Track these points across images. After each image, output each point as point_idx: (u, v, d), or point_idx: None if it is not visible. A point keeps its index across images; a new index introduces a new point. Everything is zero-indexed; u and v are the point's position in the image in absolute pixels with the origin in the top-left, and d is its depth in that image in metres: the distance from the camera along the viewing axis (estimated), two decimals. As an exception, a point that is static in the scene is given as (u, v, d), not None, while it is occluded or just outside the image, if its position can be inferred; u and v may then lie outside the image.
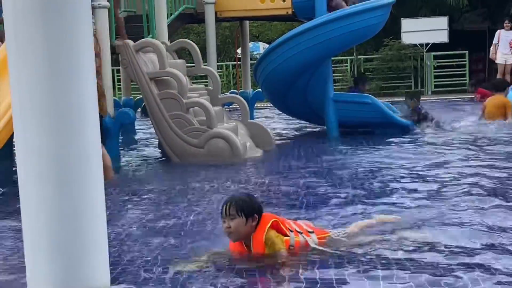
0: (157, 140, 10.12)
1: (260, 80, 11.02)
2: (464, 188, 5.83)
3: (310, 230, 4.26)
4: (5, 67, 7.48)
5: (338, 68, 20.93)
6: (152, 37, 9.51)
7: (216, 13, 11.38)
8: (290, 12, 11.27)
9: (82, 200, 3.28)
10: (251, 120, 9.90)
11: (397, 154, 8.24)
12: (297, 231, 4.17)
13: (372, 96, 10.84)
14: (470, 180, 6.21)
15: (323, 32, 9.84)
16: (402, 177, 6.67)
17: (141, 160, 9.21)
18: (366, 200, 5.67)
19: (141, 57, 8.80)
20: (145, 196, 6.37)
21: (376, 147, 8.99)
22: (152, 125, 9.10)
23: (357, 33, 10.07)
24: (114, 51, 8.87)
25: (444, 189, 5.96)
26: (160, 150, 9.57)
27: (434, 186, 6.10)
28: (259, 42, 27.80)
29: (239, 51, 28.93)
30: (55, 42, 3.15)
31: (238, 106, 9.87)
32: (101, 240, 3.34)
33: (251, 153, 8.75)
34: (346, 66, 21.50)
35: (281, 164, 8.06)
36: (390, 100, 13.82)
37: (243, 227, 3.98)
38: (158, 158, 9.26)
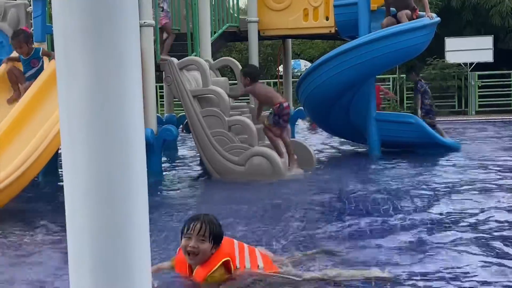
0: (199, 156, 10.19)
1: (302, 98, 11.00)
2: None
3: (260, 265, 3.98)
4: (53, 81, 7.67)
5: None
6: (195, 55, 9.59)
7: (259, 31, 11.42)
8: (333, 30, 11.25)
9: (126, 217, 3.29)
10: (293, 138, 9.87)
11: (447, 175, 8.10)
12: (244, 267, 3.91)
13: (416, 116, 10.73)
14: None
15: (366, 51, 9.79)
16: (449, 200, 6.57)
17: (182, 177, 9.25)
18: (406, 229, 5.39)
19: (185, 74, 8.89)
20: (186, 212, 6.39)
21: (422, 167, 8.87)
22: (194, 142, 9.15)
23: (401, 52, 9.99)
24: (158, 68, 8.98)
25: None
26: (201, 167, 9.61)
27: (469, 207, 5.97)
28: (301, 60, 27.86)
29: (280, 68, 29.09)
30: (104, 61, 3.19)
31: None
32: (144, 257, 3.35)
33: (292, 171, 8.71)
34: (389, 84, 21.34)
35: (323, 183, 8.01)
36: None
37: (207, 253, 3.72)
38: (199, 175, 9.30)
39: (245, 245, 4.10)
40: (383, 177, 8.32)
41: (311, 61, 27.41)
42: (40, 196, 7.61)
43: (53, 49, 9.34)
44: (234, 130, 8.72)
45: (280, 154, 8.60)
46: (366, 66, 9.88)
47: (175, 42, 10.43)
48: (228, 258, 3.82)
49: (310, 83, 10.45)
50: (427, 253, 4.53)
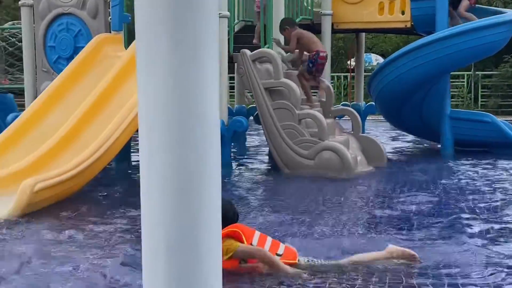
0: (267, 148, 10.21)
1: (374, 93, 10.85)
2: None
3: (279, 253, 4.17)
4: (129, 69, 7.82)
5: (454, 83, 20.30)
6: (268, 47, 9.58)
7: (332, 24, 11.31)
8: (409, 25, 11.02)
9: (200, 209, 3.33)
10: (363, 134, 9.75)
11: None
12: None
13: (492, 115, 10.43)
14: None
15: (443, 47, 9.56)
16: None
17: (251, 168, 9.28)
18: (473, 226, 5.34)
19: (257, 66, 8.90)
20: (254, 204, 6.41)
21: (497, 167, 8.62)
22: (263, 134, 9.17)
23: (478, 49, 9.71)
24: (230, 60, 9.02)
25: None
26: (269, 159, 9.62)
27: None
28: (372, 54, 27.48)
29: (352, 62, 28.78)
30: (182, 52, 3.22)
31: (349, 118, 9.75)
32: (216, 250, 3.39)
33: (362, 167, 8.62)
34: (463, 81, 20.82)
35: (393, 180, 7.87)
36: (509, 119, 13.21)
37: None
38: (267, 167, 9.31)
39: (269, 237, 4.31)
40: (456, 176, 8.11)
41: (382, 55, 27.00)
42: (114, 181, 7.82)
43: (129, 38, 9.53)
44: (304, 123, 8.68)
45: (309, 99, 9.06)
46: (442, 62, 9.65)
47: (248, 34, 10.46)
48: (237, 230, 4.08)
49: (382, 78, 10.29)
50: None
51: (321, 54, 9.06)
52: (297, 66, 9.44)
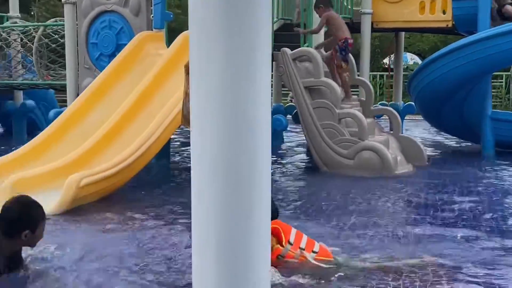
0: (305, 147, 10.21)
1: (413, 93, 10.76)
2: None
3: (315, 250, 4.27)
4: (170, 67, 7.88)
5: (492, 83, 19.97)
6: (308, 46, 9.57)
7: (372, 23, 11.24)
8: (450, 25, 10.89)
9: (250, 204, 3.35)
10: (403, 134, 9.67)
11: None
12: (299, 247, 4.19)
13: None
14: None
15: (484, 47, 9.42)
16: None
17: (289, 167, 9.28)
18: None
19: (297, 65, 8.90)
20: (292, 202, 6.42)
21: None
22: (302, 133, 9.17)
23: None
24: (271, 58, 9.03)
25: None
26: (308, 158, 9.61)
27: None
28: (407, 53, 27.24)
29: (385, 61, 28.53)
30: (235, 52, 3.24)
31: (387, 117, 9.68)
32: (265, 244, 3.41)
33: (402, 168, 8.55)
34: (501, 82, 20.52)
35: (434, 181, 7.80)
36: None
37: None
38: (306, 165, 9.30)
39: (304, 235, 4.38)
40: (498, 177, 8.01)
41: (419, 54, 26.75)
42: (155, 179, 7.90)
43: (170, 37, 9.60)
44: (344, 122, 8.65)
45: (347, 93, 9.20)
46: (484, 63, 9.51)
47: (287, 33, 10.45)
48: (276, 226, 4.13)
49: (423, 78, 10.20)
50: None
51: (350, 41, 9.12)
52: (330, 49, 9.43)
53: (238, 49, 3.42)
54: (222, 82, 3.39)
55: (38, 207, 3.76)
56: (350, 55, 9.55)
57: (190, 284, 3.46)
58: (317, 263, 4.16)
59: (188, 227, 5.14)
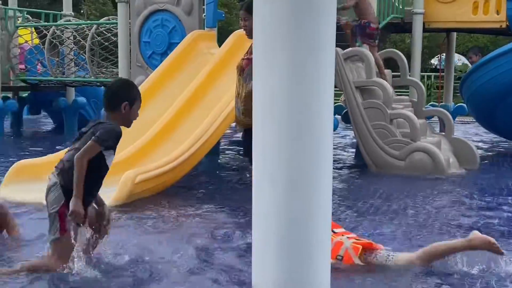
0: (354, 148, 10.15)
1: (466, 94, 10.59)
2: None
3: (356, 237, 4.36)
4: (223, 66, 7.92)
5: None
6: (359, 46, 9.51)
7: (424, 23, 11.12)
8: (504, 25, 10.70)
9: (310, 205, 3.33)
10: (455, 136, 9.54)
11: None
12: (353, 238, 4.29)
13: None
14: None
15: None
16: None
17: (337, 167, 9.22)
18: None
19: (349, 65, 8.85)
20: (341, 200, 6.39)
21: None
22: (353, 133, 9.11)
23: None
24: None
25: None
26: (358, 157, 9.55)
27: None
28: (455, 54, 26.82)
29: (433, 61, 28.05)
30: (300, 51, 3.23)
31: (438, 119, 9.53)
32: (325, 245, 3.38)
33: (454, 170, 8.43)
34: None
35: (487, 184, 7.66)
36: None
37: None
38: (355, 165, 9.24)
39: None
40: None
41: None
42: (208, 175, 7.98)
43: (221, 36, 9.65)
44: (395, 123, 8.57)
45: (381, 69, 9.12)
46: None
47: (338, 32, 10.38)
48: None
49: (476, 79, 10.04)
50: None
51: (372, 25, 9.18)
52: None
53: (302, 49, 3.42)
54: (286, 82, 3.39)
55: (136, 87, 4.26)
56: (399, 52, 9.51)
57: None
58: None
59: (246, 226, 5.17)
